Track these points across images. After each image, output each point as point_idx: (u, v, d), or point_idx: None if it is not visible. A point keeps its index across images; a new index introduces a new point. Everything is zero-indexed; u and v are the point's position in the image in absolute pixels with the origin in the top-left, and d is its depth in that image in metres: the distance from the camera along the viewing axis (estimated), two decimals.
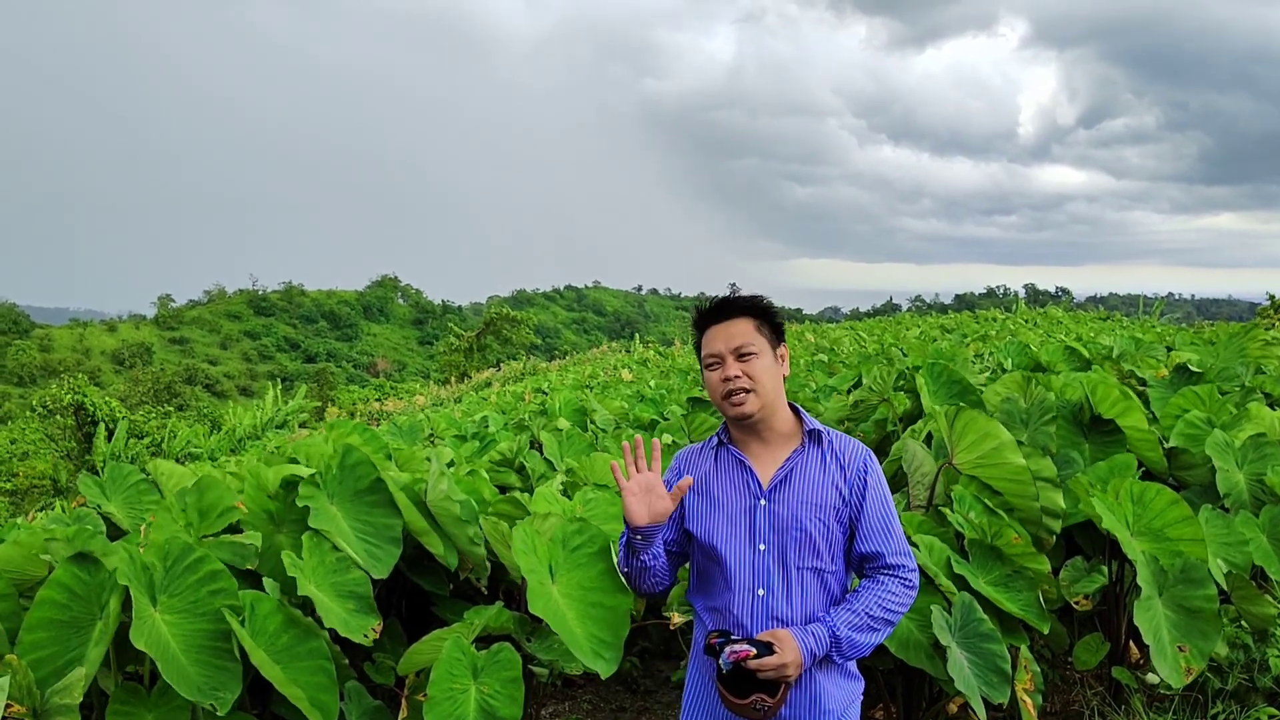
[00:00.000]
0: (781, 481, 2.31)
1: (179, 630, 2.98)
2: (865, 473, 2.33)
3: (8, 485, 22.33)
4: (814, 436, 2.36)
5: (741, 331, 2.31)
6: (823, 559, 2.29)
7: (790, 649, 2.13)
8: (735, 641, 2.15)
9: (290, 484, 3.96)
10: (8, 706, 2.64)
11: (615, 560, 2.38)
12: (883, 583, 2.30)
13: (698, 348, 2.41)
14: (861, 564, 2.36)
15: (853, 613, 2.26)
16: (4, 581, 3.33)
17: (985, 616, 3.32)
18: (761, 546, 2.28)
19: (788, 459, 2.33)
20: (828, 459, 2.33)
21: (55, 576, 3.03)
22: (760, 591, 2.27)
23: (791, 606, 2.26)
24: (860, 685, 2.40)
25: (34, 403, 24.53)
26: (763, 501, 2.30)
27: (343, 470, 3.99)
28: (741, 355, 2.29)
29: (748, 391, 2.28)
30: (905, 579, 2.32)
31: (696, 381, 12.20)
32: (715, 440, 2.43)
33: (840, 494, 2.30)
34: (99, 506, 4.59)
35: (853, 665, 2.39)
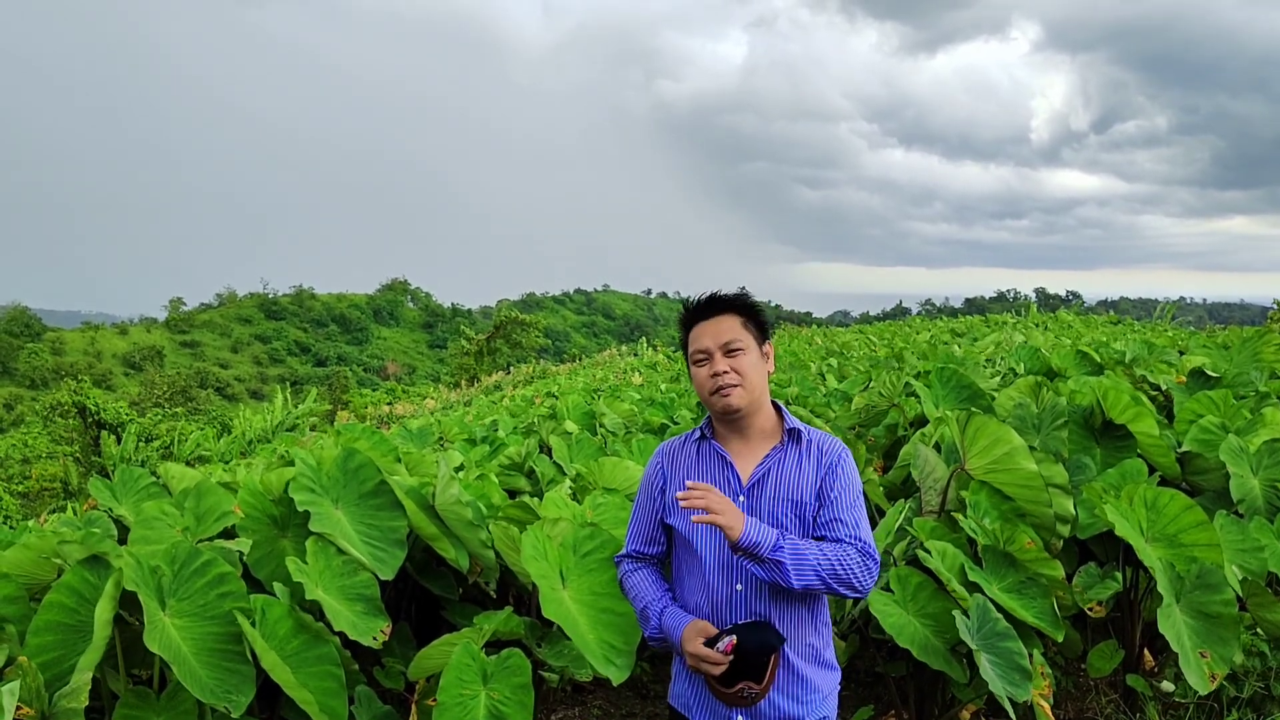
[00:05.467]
0: (761, 479, 2.33)
1: (189, 634, 2.98)
2: (837, 465, 2.34)
3: (19, 488, 22.44)
4: (793, 435, 2.39)
5: (729, 328, 2.34)
6: None
7: (736, 512, 2.13)
8: (720, 638, 2.19)
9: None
10: (17, 709, 2.64)
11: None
12: (845, 548, 2.22)
13: (684, 345, 2.44)
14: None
15: (809, 544, 2.20)
16: (14, 585, 3.34)
17: (1000, 616, 3.31)
18: None
19: (767, 456, 2.36)
20: (805, 455, 2.36)
21: (64, 580, 3.04)
22: (738, 587, 2.29)
23: (767, 601, 2.29)
24: (838, 675, 2.43)
25: (38, 407, 24.65)
26: (741, 498, 2.32)
27: (346, 473, 3.99)
28: (729, 351, 2.32)
29: (735, 386, 2.31)
30: (866, 555, 2.23)
31: None
32: (698, 433, 2.45)
33: (813, 488, 2.33)
34: (110, 510, 4.60)
35: (831, 656, 2.41)
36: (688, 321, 2.42)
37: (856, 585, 2.20)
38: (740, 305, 2.38)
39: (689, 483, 2.18)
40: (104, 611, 2.83)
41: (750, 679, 2.18)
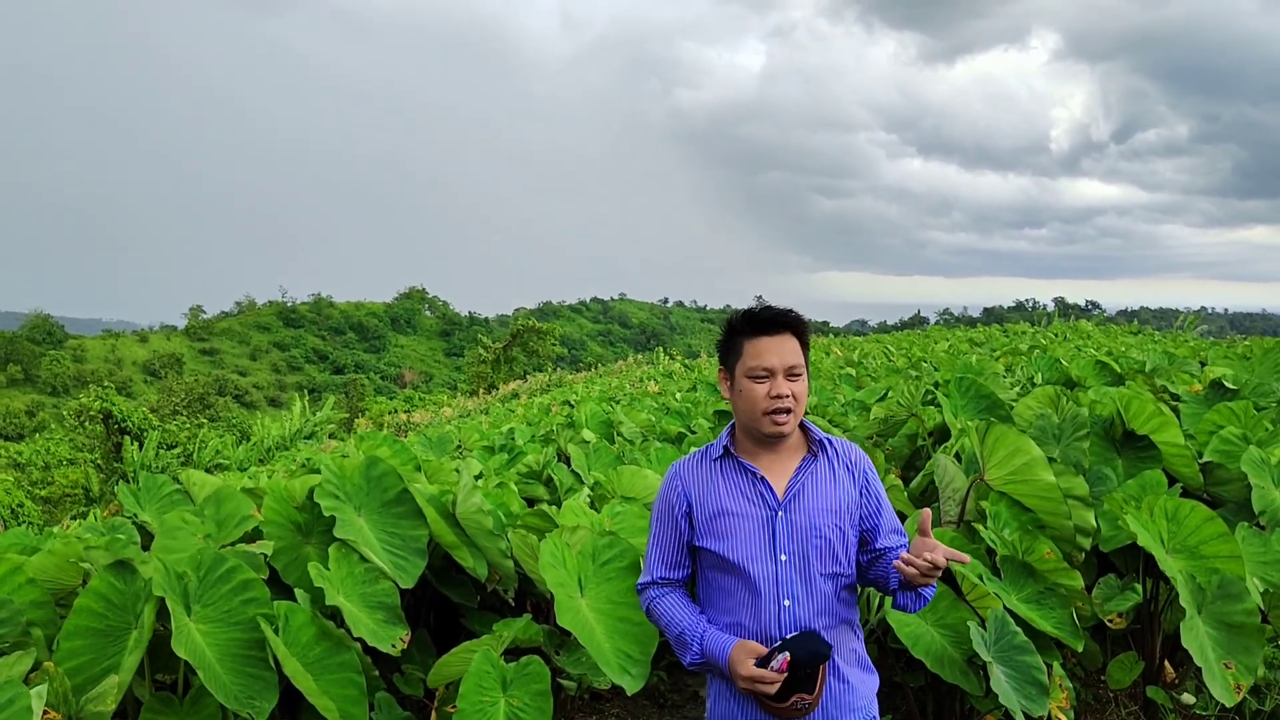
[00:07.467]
0: (798, 492, 2.31)
1: (214, 639, 3.01)
2: (872, 474, 2.41)
3: (42, 493, 22.65)
4: (820, 445, 2.38)
5: (794, 350, 2.30)
6: (840, 564, 2.32)
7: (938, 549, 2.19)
8: (772, 656, 2.17)
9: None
10: (45, 713, 2.67)
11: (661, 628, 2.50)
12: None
13: (738, 353, 2.34)
14: (876, 556, 2.39)
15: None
16: (41, 590, 3.38)
17: (1018, 629, 3.29)
18: (783, 557, 2.28)
19: (799, 468, 2.34)
20: (836, 466, 2.36)
21: (92, 586, 3.07)
22: (786, 602, 2.27)
23: (816, 613, 2.28)
24: (877, 678, 2.46)
25: (64, 413, 24.89)
26: (780, 513, 2.30)
27: (369, 481, 4.02)
28: (791, 375, 2.29)
29: (790, 412, 2.28)
30: None
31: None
32: (719, 450, 2.40)
33: (852, 499, 2.34)
34: (134, 516, 4.65)
35: (868, 658, 2.44)
36: (749, 332, 2.32)
37: None
38: (802, 329, 2.33)
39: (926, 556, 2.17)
40: (150, 615, 2.88)
41: (802, 691, 2.17)
